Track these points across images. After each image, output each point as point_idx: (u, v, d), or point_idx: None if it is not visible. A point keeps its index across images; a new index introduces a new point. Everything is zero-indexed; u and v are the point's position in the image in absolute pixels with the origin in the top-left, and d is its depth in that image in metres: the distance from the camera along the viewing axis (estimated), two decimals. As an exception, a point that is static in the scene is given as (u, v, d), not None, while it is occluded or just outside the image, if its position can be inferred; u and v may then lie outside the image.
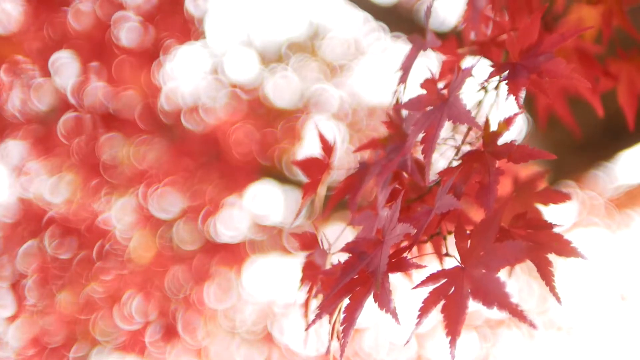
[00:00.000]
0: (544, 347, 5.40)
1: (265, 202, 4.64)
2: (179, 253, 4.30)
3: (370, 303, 0.84)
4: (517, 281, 4.96)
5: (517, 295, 0.74)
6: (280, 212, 4.69)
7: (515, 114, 0.97)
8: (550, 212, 1.16)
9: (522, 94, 0.97)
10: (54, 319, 4.20)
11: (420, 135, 0.93)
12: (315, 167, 1.09)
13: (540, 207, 1.18)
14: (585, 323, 5.69)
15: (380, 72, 5.25)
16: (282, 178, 4.36)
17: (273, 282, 5.02)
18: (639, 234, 5.31)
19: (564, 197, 1.16)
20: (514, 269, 1.17)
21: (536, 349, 5.33)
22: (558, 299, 0.87)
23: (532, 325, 0.73)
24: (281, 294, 5.01)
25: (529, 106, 3.28)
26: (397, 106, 1.03)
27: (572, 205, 5.01)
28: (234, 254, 4.43)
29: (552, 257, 0.93)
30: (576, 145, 3.17)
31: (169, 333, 4.34)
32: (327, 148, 1.10)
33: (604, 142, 3.08)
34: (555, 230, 0.93)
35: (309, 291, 1.01)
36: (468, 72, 0.96)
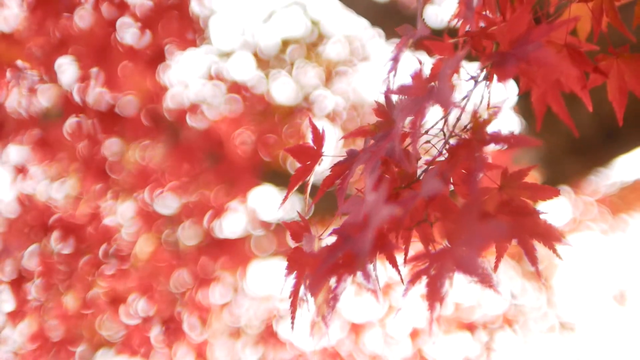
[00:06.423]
0: (544, 347, 5.39)
1: (270, 203, 4.66)
2: (183, 253, 4.32)
3: (354, 281, 0.85)
4: (517, 280, 4.97)
5: (494, 272, 0.76)
6: (283, 212, 4.71)
7: (503, 101, 0.99)
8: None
9: (510, 81, 0.98)
10: (58, 319, 4.22)
11: (408, 120, 0.94)
12: (306, 154, 1.10)
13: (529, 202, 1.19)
14: (586, 323, 5.70)
15: (379, 74, 5.28)
16: (286, 179, 4.37)
17: (277, 282, 5.04)
18: (634, 238, 5.33)
19: (552, 193, 1.16)
20: (501, 258, 1.18)
21: (536, 349, 5.33)
22: (542, 280, 0.89)
23: (497, 291, 0.75)
24: (285, 293, 5.01)
25: (524, 110, 3.29)
26: (387, 92, 1.04)
27: (568, 209, 5.03)
28: (238, 254, 4.45)
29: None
30: (572, 150, 3.18)
31: (174, 332, 4.35)
32: (318, 137, 1.11)
33: (599, 147, 3.09)
34: (541, 217, 0.94)
35: (297, 277, 1.02)
36: (457, 60, 0.97)
